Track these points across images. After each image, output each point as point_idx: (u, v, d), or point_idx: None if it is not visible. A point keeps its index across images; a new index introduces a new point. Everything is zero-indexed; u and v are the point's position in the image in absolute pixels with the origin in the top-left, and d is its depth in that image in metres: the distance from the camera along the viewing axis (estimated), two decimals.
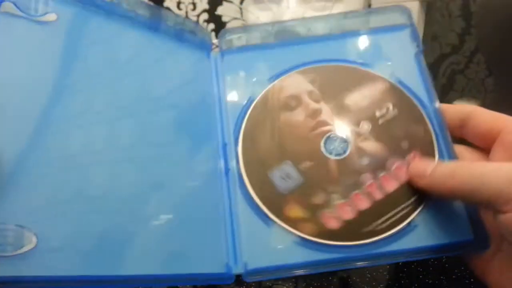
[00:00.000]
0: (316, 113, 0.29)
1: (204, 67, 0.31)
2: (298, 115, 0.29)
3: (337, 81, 0.30)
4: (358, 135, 0.28)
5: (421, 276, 0.32)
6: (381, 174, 0.26)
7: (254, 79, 0.30)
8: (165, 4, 0.81)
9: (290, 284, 0.32)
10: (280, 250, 0.25)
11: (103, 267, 0.21)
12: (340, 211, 0.26)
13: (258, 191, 0.27)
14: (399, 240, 0.25)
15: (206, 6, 0.80)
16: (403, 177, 0.26)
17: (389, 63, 0.30)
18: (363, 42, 0.31)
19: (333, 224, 0.26)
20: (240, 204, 0.27)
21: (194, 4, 0.80)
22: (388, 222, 0.25)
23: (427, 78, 0.29)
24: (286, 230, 0.26)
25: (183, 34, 0.31)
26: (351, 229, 0.25)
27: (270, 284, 0.32)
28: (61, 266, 0.19)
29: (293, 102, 0.29)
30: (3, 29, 0.21)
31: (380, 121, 0.28)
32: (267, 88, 0.30)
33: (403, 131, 0.27)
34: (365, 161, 0.27)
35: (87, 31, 0.25)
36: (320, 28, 0.32)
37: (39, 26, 0.22)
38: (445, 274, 0.32)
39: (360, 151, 0.27)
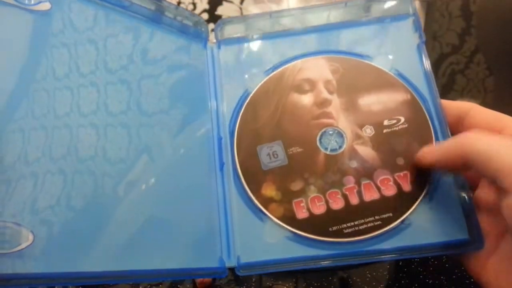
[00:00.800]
0: (325, 103, 0.28)
1: (199, 56, 0.31)
2: (307, 100, 0.29)
3: (359, 78, 0.29)
4: (357, 137, 0.27)
5: (421, 276, 0.32)
6: (365, 182, 0.26)
7: (251, 72, 0.30)
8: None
9: (291, 284, 0.32)
10: (273, 245, 0.25)
11: (96, 261, 0.21)
12: (312, 203, 0.26)
13: (245, 171, 0.27)
14: (394, 237, 0.25)
15: (206, 6, 0.80)
16: (385, 191, 0.26)
17: (390, 54, 0.30)
18: (363, 32, 0.31)
19: (301, 214, 0.26)
20: (234, 199, 0.27)
21: (194, 4, 0.80)
22: (355, 229, 0.25)
23: (429, 70, 0.28)
24: (279, 225, 0.26)
25: (179, 22, 0.30)
26: (317, 224, 0.25)
27: (271, 284, 0.32)
28: (58, 262, 0.19)
29: (306, 86, 0.29)
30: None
31: (385, 131, 0.27)
32: (285, 67, 0.30)
33: (404, 147, 0.27)
34: (354, 164, 0.27)
35: (79, 19, 0.25)
36: (319, 18, 0.31)
37: (32, 14, 0.22)
38: (445, 274, 0.32)
39: (353, 153, 0.27)
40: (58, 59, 0.22)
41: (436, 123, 0.27)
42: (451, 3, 0.69)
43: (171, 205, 0.25)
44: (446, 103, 0.28)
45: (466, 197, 0.25)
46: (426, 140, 0.27)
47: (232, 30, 0.31)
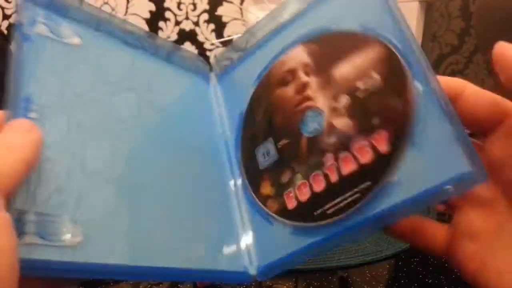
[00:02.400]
0: (304, 87, 0.27)
1: (203, 94, 0.32)
2: (290, 91, 0.28)
3: (333, 50, 0.27)
4: (334, 110, 0.26)
5: (421, 276, 0.32)
6: (342, 155, 0.24)
7: (243, 89, 0.30)
8: (166, 4, 0.81)
9: (290, 283, 0.32)
10: (281, 244, 0.25)
11: (122, 256, 0.21)
12: (299, 191, 0.25)
13: (247, 171, 0.28)
14: (386, 198, 0.22)
15: (207, 7, 0.80)
16: (361, 158, 0.24)
17: (357, 14, 0.27)
18: (327, 5, 0.28)
19: (291, 204, 0.25)
20: (244, 210, 0.27)
21: (194, 5, 0.80)
22: (336, 207, 0.24)
23: (403, 25, 0.25)
24: (285, 223, 0.26)
25: (181, 62, 0.32)
26: (304, 210, 0.25)
27: (271, 284, 0.32)
28: (104, 259, 0.20)
29: (289, 77, 0.28)
30: (37, 48, 0.23)
31: (360, 94, 0.25)
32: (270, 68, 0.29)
33: (379, 105, 0.24)
34: (332, 139, 0.25)
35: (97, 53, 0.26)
36: (292, 9, 0.31)
37: (66, 47, 0.24)
38: (445, 273, 0.32)
39: (331, 129, 0.25)
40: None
41: (414, 65, 0.24)
42: (451, 4, 0.70)
43: (190, 221, 0.25)
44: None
45: (458, 126, 0.22)
46: (402, 90, 0.24)
47: (226, 61, 0.32)
